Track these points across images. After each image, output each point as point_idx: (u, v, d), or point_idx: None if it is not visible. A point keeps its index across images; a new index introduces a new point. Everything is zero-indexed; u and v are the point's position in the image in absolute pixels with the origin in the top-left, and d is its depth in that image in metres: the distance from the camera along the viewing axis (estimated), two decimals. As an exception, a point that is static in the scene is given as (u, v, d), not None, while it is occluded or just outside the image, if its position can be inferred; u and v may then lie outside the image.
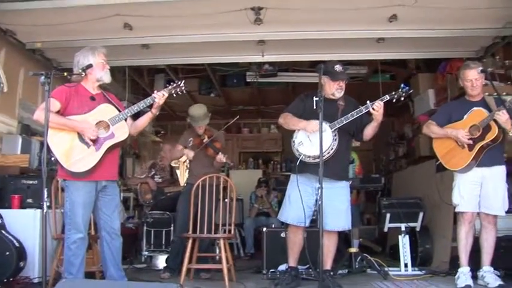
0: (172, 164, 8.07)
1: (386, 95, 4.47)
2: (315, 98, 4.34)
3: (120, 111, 4.12)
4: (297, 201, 4.61)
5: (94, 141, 3.95)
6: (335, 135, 4.48)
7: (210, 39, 6.03)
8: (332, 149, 4.44)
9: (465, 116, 4.70)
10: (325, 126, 4.45)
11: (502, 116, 4.38)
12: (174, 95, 4.25)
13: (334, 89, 4.63)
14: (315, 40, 6.08)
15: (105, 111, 4.07)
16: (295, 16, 5.41)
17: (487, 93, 4.71)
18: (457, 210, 4.78)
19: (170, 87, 4.23)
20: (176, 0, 4.92)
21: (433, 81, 7.83)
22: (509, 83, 6.01)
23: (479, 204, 4.67)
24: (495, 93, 4.72)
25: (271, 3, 5.06)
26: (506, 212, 4.65)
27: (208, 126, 6.02)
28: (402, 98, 4.50)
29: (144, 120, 4.33)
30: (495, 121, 4.46)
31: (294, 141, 4.66)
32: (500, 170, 4.66)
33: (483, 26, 5.90)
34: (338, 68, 4.64)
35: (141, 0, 4.98)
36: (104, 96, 4.19)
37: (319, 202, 3.92)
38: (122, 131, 4.06)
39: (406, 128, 9.76)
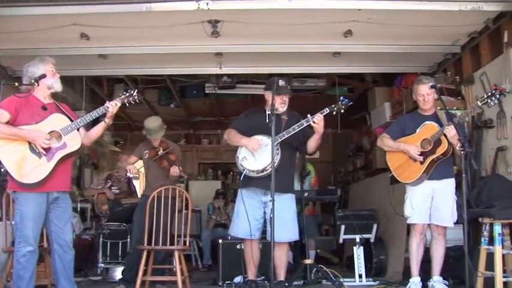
0: (131, 175, 8.02)
1: (326, 108, 4.55)
2: (267, 112, 4.42)
3: (72, 121, 4.08)
4: (244, 215, 4.68)
5: (46, 152, 3.89)
6: (277, 149, 4.55)
7: (168, 50, 6.04)
8: (275, 162, 4.48)
9: (418, 130, 4.82)
10: (268, 140, 4.55)
11: (450, 131, 4.51)
12: (127, 104, 4.22)
13: (278, 104, 4.67)
14: (273, 53, 6.16)
15: (57, 121, 4.00)
16: (252, 30, 5.47)
17: (439, 108, 4.84)
18: (408, 222, 4.90)
19: (123, 96, 4.19)
20: (133, 11, 4.89)
21: (389, 94, 8.00)
22: (459, 98, 6.17)
23: (430, 216, 4.79)
24: (438, 107, 4.87)
25: (228, 16, 5.10)
26: (455, 223, 4.78)
27: (164, 138, 6.00)
28: (342, 111, 4.58)
29: (98, 130, 4.26)
30: (445, 135, 4.59)
31: (238, 157, 4.75)
32: (450, 183, 4.79)
33: (435, 42, 6.12)
34: (281, 82, 4.73)
35: (98, 10, 4.94)
36: (56, 106, 4.13)
37: (271, 215, 3.96)
38: (74, 141, 4.00)
39: (364, 140, 9.93)
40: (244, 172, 4.65)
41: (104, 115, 4.17)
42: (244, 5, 4.70)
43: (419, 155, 4.69)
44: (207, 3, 4.67)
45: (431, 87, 4.78)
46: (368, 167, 9.48)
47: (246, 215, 4.65)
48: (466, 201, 4.84)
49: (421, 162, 4.69)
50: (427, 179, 4.74)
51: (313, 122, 4.50)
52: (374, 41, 5.96)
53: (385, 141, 4.99)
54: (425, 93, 4.81)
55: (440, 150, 4.64)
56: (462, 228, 4.26)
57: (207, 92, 8.59)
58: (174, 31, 5.50)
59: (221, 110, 10.05)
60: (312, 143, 4.77)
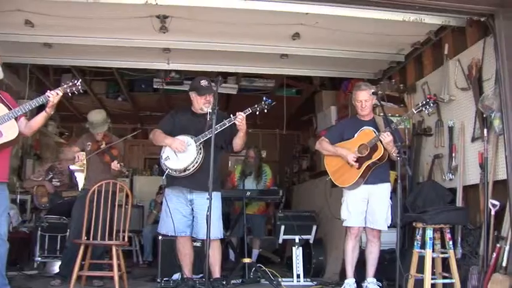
0: (75, 168, 7.87)
1: (249, 108, 4.63)
2: (208, 110, 4.51)
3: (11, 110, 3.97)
4: (174, 213, 4.78)
5: None
6: (200, 148, 4.64)
7: (115, 43, 5.95)
8: (197, 162, 4.61)
9: (355, 135, 4.94)
10: (190, 140, 4.66)
11: (386, 137, 4.64)
12: (70, 94, 4.14)
13: (202, 104, 4.81)
14: (221, 51, 6.15)
15: None
16: (201, 27, 5.45)
17: (381, 114, 4.94)
18: (344, 224, 5.02)
19: (65, 85, 4.11)
20: (80, 2, 4.79)
21: (336, 98, 8.12)
22: (402, 105, 6.34)
23: (365, 220, 4.92)
24: (387, 114, 5.00)
25: (177, 12, 5.07)
26: (389, 227, 4.92)
27: (108, 132, 5.93)
28: (265, 110, 4.65)
29: (39, 120, 4.16)
30: (381, 141, 4.71)
31: (161, 156, 4.80)
32: (386, 188, 4.93)
33: (380, 50, 6.28)
34: (204, 83, 4.84)
35: (43, -3, 4.81)
36: None
37: (207, 213, 3.99)
38: (11, 131, 3.91)
39: (310, 142, 10.04)
40: (166, 171, 4.72)
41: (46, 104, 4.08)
42: (192, 2, 4.67)
43: (356, 160, 4.80)
44: (156, -2, 4.63)
45: (372, 94, 4.90)
46: (313, 168, 9.60)
47: (170, 214, 4.75)
48: (403, 206, 5.04)
49: (358, 167, 4.81)
50: (363, 184, 4.86)
51: (236, 121, 4.58)
52: (321, 45, 6.04)
53: (323, 145, 5.11)
54: (363, 99, 4.94)
55: (376, 156, 4.78)
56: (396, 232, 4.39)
57: (155, 87, 8.52)
58: (122, 24, 5.42)
59: (169, 105, 9.96)
60: (238, 141, 4.85)
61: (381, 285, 4.93)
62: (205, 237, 4.51)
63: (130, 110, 10.48)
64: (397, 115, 5.85)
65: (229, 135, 4.83)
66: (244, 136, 4.80)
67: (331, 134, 5.24)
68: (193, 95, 4.91)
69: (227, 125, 4.59)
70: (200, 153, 4.62)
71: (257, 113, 4.63)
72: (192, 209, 4.83)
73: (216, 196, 4.80)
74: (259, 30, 5.54)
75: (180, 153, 4.66)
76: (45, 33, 5.81)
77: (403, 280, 4.32)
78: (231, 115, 4.62)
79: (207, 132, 4.57)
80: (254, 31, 5.57)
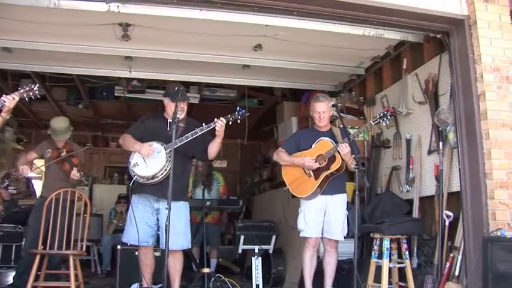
0: (34, 175, 7.72)
1: (222, 118, 4.61)
2: (168, 120, 4.50)
3: None
4: (139, 222, 4.69)
5: None
6: (169, 156, 4.54)
7: (76, 50, 5.87)
8: (165, 170, 4.53)
9: (313, 145, 4.99)
10: (160, 147, 4.60)
11: (344, 148, 4.71)
12: (27, 99, 4.05)
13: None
14: (184, 61, 6.15)
15: None
16: (164, 36, 5.44)
17: (341, 125, 5.01)
18: (301, 235, 5.03)
19: (22, 90, 4.02)
20: (40, 6, 4.72)
21: (297, 109, 8.20)
22: (361, 117, 6.46)
23: (322, 230, 4.95)
24: (347, 125, 5.07)
25: (139, 21, 5.04)
26: (346, 237, 4.97)
27: (69, 140, 5.86)
28: (239, 121, 4.66)
29: None
30: (339, 152, 4.78)
31: (130, 162, 4.73)
32: (342, 198, 5.00)
33: (340, 63, 6.40)
34: (178, 90, 4.76)
35: (2, 1, 4.65)
36: None
37: (166, 222, 3.96)
38: None
39: (271, 152, 10.06)
40: (134, 178, 4.65)
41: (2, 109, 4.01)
42: (155, 11, 4.65)
43: (314, 171, 4.85)
44: (118, 6, 4.57)
45: (332, 106, 4.98)
46: (273, 179, 9.65)
47: (135, 222, 4.66)
48: (361, 217, 5.11)
49: (316, 178, 4.85)
50: (320, 194, 4.91)
51: (217, 126, 4.56)
52: (282, 56, 6.12)
53: (280, 156, 5.13)
54: (321, 110, 5.00)
55: (334, 167, 4.83)
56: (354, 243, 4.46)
57: (116, 94, 8.44)
58: (84, 31, 5.36)
59: (131, 113, 9.89)
60: (214, 147, 4.81)
61: (339, 295, 4.98)
62: (173, 248, 4.48)
63: (91, 117, 10.35)
64: (356, 127, 5.93)
65: (203, 144, 4.80)
66: (220, 143, 4.76)
67: (288, 144, 5.25)
68: (166, 101, 4.83)
69: (198, 133, 4.56)
70: (169, 161, 4.49)
71: (230, 123, 4.62)
72: (158, 219, 4.76)
73: (184, 205, 4.81)
74: (222, 41, 5.56)
75: (149, 160, 4.58)
76: (5, 38, 5.69)
77: (360, 290, 4.39)
78: (203, 123, 4.60)
79: (177, 140, 4.48)
80: (216, 41, 5.59)
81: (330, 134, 5.02)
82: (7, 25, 5.27)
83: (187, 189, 5.23)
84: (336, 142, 4.88)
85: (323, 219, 4.95)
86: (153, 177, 4.57)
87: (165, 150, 4.58)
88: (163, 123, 4.78)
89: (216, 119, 4.58)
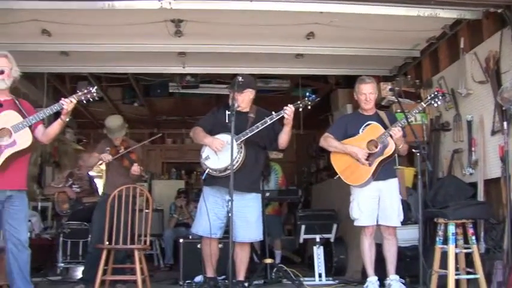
0: (94, 173, 7.94)
1: (290, 105, 4.55)
2: (227, 112, 4.47)
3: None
4: (206, 213, 4.68)
5: None
6: (241, 147, 4.56)
7: (131, 49, 6.01)
8: (237, 161, 4.50)
9: (361, 131, 4.85)
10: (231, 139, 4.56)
11: (397, 132, 4.59)
12: (85, 102, 4.10)
13: (240, 102, 4.71)
14: (236, 53, 6.18)
15: (8, 118, 3.92)
16: (216, 30, 5.48)
17: (398, 110, 4.88)
18: (356, 224, 4.93)
19: (80, 93, 4.05)
20: (95, 9, 4.84)
21: (351, 96, 8.04)
22: (418, 101, 6.29)
23: (378, 217, 4.83)
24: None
25: (191, 16, 5.10)
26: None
27: (125, 137, 5.98)
28: (309, 107, 4.60)
29: (55, 127, 4.12)
30: (391, 136, 4.65)
31: (201, 155, 4.74)
32: (395, 183, 4.87)
33: (395, 47, 6.26)
34: (241, 80, 4.70)
35: (57, 6, 4.82)
36: (13, 103, 4.05)
37: (230, 214, 3.97)
38: (24, 139, 3.90)
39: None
40: (206, 171, 4.65)
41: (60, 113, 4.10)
42: (206, 5, 4.70)
43: (367, 158, 4.73)
44: (170, 3, 4.64)
45: (390, 90, 4.87)
46: (330, 167, 9.53)
47: (207, 213, 4.65)
48: (424, 202, 4.97)
49: (370, 164, 4.72)
50: (373, 180, 4.78)
51: (286, 114, 4.50)
52: (336, 43, 6.05)
53: (329, 141, 4.96)
54: (367, 92, 4.87)
55: (388, 152, 4.70)
56: (418, 228, 4.35)
57: (170, 91, 8.57)
58: (136, 29, 5.46)
59: (185, 109, 10.03)
60: (283, 136, 4.74)
61: (404, 282, 4.87)
62: (244, 240, 4.56)
63: (146, 114, 10.56)
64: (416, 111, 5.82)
65: (273, 133, 4.76)
66: (290, 131, 4.69)
67: (335, 129, 5.07)
68: (231, 93, 4.82)
69: (268, 122, 4.53)
70: (241, 153, 4.52)
71: (300, 109, 4.57)
72: (228, 211, 4.77)
73: (256, 197, 4.82)
74: (274, 31, 5.56)
75: (220, 152, 4.56)
76: (62, 42, 5.88)
77: (428, 277, 4.28)
78: (273, 112, 4.56)
79: (247, 131, 4.49)
80: (269, 32, 5.58)
81: (377, 118, 4.88)
82: (64, 29, 5.46)
83: (259, 181, 5.18)
84: (385, 126, 4.75)
85: (377, 206, 4.83)
86: (225, 170, 4.53)
87: (236, 141, 4.52)
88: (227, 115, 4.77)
89: (284, 107, 4.52)
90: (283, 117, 4.54)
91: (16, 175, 3.99)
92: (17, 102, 4.09)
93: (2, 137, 3.87)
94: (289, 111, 4.51)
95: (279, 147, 4.93)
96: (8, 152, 3.86)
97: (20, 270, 3.96)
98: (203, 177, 4.73)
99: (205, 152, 4.71)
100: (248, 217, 4.60)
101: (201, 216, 4.76)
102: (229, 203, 4.42)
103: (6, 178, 3.89)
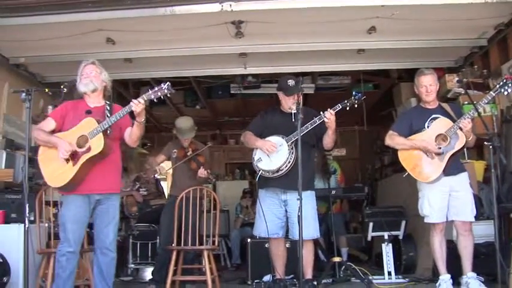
0: (159, 176, 8.09)
1: (339, 104, 4.53)
2: (292, 111, 4.47)
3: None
4: (267, 215, 4.75)
5: (73, 156, 3.95)
6: (292, 148, 4.58)
7: (193, 52, 6.09)
8: (289, 162, 4.55)
9: (427, 125, 4.68)
10: (282, 140, 4.63)
11: (467, 124, 4.41)
12: (155, 100, 4.04)
13: (291, 103, 4.74)
14: (296, 52, 6.17)
15: (87, 125, 4.03)
16: (275, 29, 5.49)
17: (465, 102, 4.70)
18: (427, 221, 4.76)
19: (150, 92, 4.03)
20: (157, 15, 4.94)
21: (414, 90, 7.89)
22: (487, 91, 6.07)
23: (450, 214, 4.66)
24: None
25: (251, 17, 5.12)
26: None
27: (193, 139, 6.07)
28: (356, 105, 4.54)
29: (134, 130, 4.16)
30: (461, 129, 4.49)
31: (253, 158, 4.82)
32: (465, 177, 4.69)
33: (460, 36, 6.05)
34: (291, 82, 4.79)
35: (121, 15, 5.00)
36: (103, 110, 4.16)
37: (298, 213, 3.95)
38: (96, 144, 3.99)
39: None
40: (259, 173, 4.72)
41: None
42: (266, 5, 4.71)
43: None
44: (230, 5, 4.69)
45: (457, 82, 4.71)
46: (396, 163, 9.36)
47: (263, 216, 4.73)
48: (497, 197, 4.76)
49: (441, 160, 4.55)
50: (444, 176, 4.61)
51: (325, 118, 4.50)
52: (398, 36, 5.93)
53: (395, 139, 4.80)
54: (427, 84, 4.71)
55: (459, 145, 4.52)
56: (493, 224, 4.19)
57: (232, 92, 8.63)
58: (197, 33, 5.53)
59: (247, 109, 10.07)
60: (327, 139, 4.78)
61: (483, 280, 4.64)
62: (304, 238, 4.51)
63: (208, 116, 10.67)
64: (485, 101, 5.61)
65: (320, 132, 4.78)
66: (333, 134, 4.70)
67: (400, 126, 4.89)
68: (281, 95, 4.89)
69: (317, 122, 4.55)
70: (292, 153, 4.56)
71: (347, 108, 4.54)
72: (286, 210, 4.81)
73: (311, 195, 4.83)
74: (334, 27, 5.50)
75: (272, 154, 4.64)
76: (126, 49, 6.05)
77: (506, 275, 4.11)
78: (321, 112, 4.56)
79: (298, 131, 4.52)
80: (329, 28, 5.54)
81: (442, 111, 4.70)
82: (127, 37, 5.62)
83: (314, 179, 5.19)
84: (451, 118, 4.58)
85: (447, 203, 4.65)
86: (277, 171, 4.61)
87: (287, 142, 4.60)
88: (281, 116, 4.85)
89: (326, 111, 4.51)
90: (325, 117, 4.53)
91: (103, 179, 4.08)
92: (108, 108, 4.18)
93: (81, 143, 3.99)
94: (328, 115, 4.50)
95: (325, 148, 4.95)
96: (84, 158, 3.98)
97: (100, 272, 4.07)
98: (256, 179, 4.81)
99: (257, 155, 4.79)
100: (305, 215, 4.55)
101: (260, 218, 4.84)
102: (288, 202, 4.64)
103: (93, 182, 4.03)
